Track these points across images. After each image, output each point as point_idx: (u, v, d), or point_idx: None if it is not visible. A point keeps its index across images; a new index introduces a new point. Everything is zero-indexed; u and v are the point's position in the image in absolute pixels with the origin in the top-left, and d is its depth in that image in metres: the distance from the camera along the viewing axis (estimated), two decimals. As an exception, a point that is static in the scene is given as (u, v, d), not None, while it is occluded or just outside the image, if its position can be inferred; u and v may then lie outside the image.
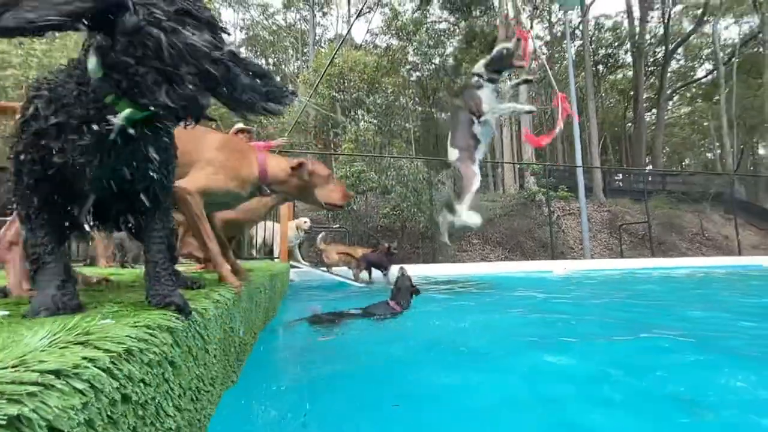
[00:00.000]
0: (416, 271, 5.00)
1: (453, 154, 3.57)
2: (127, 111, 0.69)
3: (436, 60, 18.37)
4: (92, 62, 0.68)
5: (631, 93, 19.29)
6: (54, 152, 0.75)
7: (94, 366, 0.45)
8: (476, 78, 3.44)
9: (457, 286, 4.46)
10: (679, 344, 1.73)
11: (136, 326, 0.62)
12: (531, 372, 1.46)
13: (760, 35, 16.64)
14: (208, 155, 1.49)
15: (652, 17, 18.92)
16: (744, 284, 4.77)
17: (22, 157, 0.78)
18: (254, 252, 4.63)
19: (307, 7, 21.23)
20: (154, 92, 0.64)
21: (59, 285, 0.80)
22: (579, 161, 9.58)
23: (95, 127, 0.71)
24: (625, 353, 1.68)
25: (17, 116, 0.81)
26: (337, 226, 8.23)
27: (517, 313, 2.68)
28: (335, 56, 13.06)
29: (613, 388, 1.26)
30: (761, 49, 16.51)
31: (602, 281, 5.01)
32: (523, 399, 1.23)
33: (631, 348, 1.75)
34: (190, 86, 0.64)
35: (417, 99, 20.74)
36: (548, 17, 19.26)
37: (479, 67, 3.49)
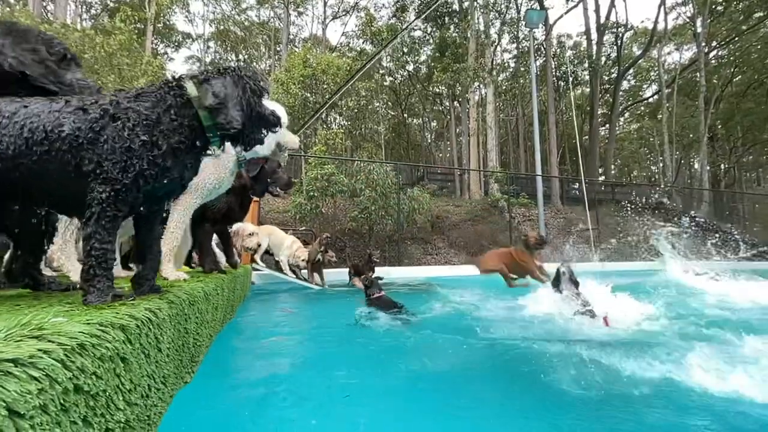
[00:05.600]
0: (382, 273, 5.14)
1: None
2: (218, 142, 1.17)
3: (410, 67, 18.74)
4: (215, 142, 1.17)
5: (588, 108, 20.73)
6: (165, 169, 1.07)
7: (49, 357, 0.50)
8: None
9: (424, 288, 4.63)
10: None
11: (89, 323, 0.66)
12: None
13: (696, 63, 18.52)
14: None
15: (607, 40, 20.47)
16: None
17: (137, 173, 1.02)
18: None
19: (282, 5, 20.87)
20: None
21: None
22: (539, 170, 10.17)
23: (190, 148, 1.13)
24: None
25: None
26: (304, 228, 8.17)
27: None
28: (310, 60, 12.95)
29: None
30: (698, 76, 18.36)
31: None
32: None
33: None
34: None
35: (390, 104, 21.02)
36: (516, 33, 20.25)
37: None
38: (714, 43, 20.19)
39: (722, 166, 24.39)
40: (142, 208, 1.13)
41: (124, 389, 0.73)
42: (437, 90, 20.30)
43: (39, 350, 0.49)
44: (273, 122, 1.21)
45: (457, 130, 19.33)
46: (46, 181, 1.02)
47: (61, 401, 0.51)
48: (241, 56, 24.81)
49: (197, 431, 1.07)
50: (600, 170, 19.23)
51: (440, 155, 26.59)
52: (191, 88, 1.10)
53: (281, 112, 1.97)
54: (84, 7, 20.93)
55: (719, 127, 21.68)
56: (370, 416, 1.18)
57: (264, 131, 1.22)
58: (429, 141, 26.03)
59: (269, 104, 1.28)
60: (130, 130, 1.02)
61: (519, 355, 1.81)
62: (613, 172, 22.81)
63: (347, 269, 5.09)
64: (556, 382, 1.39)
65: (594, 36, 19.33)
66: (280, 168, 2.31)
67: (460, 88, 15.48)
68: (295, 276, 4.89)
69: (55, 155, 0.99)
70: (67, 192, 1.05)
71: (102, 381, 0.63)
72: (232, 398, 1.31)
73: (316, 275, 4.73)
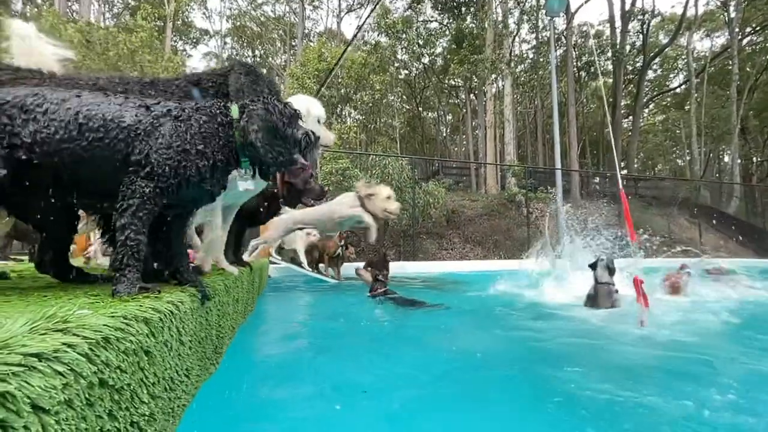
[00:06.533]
0: (397, 267, 5.15)
1: None
2: (247, 164, 1.19)
3: (425, 59, 18.45)
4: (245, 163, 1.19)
5: (611, 99, 19.99)
6: (204, 180, 1.11)
7: (74, 351, 0.49)
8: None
9: (435, 284, 4.60)
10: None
11: (113, 316, 0.65)
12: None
13: (729, 50, 17.54)
14: None
15: (632, 27, 19.60)
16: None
17: (185, 176, 1.06)
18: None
19: (296, -1, 20.89)
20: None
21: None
22: (558, 164, 9.88)
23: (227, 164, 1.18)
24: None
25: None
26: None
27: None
28: (325, 54, 12.92)
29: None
30: (730, 63, 17.40)
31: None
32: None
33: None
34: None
35: (404, 97, 20.80)
36: (535, 22, 19.61)
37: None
38: (748, 29, 19.05)
39: (755, 159, 23.12)
40: (170, 210, 1.15)
41: (148, 382, 0.72)
42: (453, 83, 19.94)
43: (63, 344, 0.48)
44: (305, 144, 1.22)
45: (474, 123, 18.97)
46: (87, 169, 1.04)
47: (86, 396, 0.50)
48: (257, 52, 25.02)
49: (221, 422, 1.07)
50: (622, 164, 18.56)
51: (455, 149, 26.25)
52: (234, 111, 1.17)
53: (317, 106, 1.93)
54: (107, 6, 21.51)
55: (752, 117, 20.52)
56: (389, 406, 1.17)
57: (296, 153, 1.24)
58: (444, 135, 25.73)
59: (305, 99, 1.27)
60: (191, 136, 1.08)
61: (534, 350, 1.76)
62: (636, 165, 21.98)
63: (363, 263, 5.09)
64: (570, 381, 1.33)
65: (618, 23, 18.53)
66: (312, 178, 2.30)
67: (477, 80, 15.14)
68: (311, 269, 4.92)
69: (108, 143, 1.03)
70: (102, 182, 1.07)
71: (126, 375, 0.62)
72: (254, 390, 1.31)
73: (329, 269, 4.75)
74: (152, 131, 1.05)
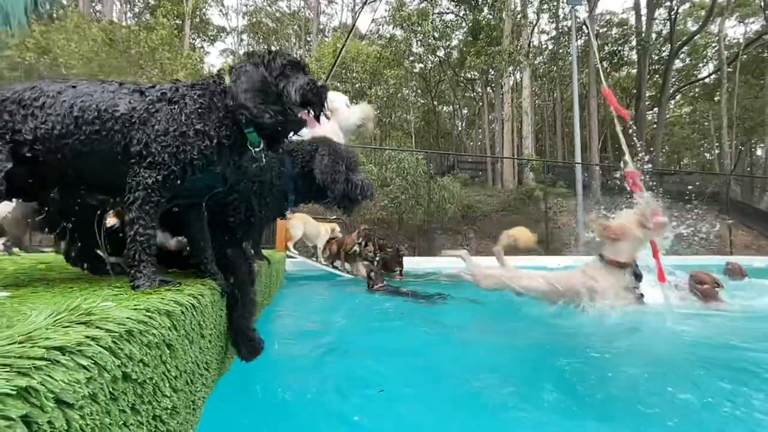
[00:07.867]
0: (412, 263, 5.12)
1: None
2: (255, 136, 1.06)
3: (441, 52, 18.16)
4: (253, 137, 1.06)
5: (634, 91, 19.19)
6: (211, 162, 1.03)
7: (97, 344, 0.48)
8: None
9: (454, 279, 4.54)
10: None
11: (136, 309, 0.65)
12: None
13: (764, 36, 16.53)
14: None
15: (659, 14, 18.69)
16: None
17: (186, 160, 0.99)
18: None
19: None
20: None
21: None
22: (578, 158, 9.59)
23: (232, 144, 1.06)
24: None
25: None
26: (334, 217, 8.24)
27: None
28: (339, 50, 12.89)
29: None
30: (765, 51, 16.41)
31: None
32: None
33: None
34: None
35: (419, 91, 20.57)
36: (555, 11, 18.96)
37: None
38: (787, 13, 17.87)
39: (790, 153, 21.80)
40: (182, 199, 1.11)
41: (170, 376, 0.72)
42: (469, 76, 19.56)
43: (87, 337, 0.47)
44: (310, 96, 1.04)
45: (490, 117, 18.60)
46: (89, 163, 1.01)
47: (110, 390, 0.49)
48: (272, 48, 25.17)
49: (239, 415, 1.08)
50: (647, 157, 17.86)
51: (471, 143, 25.82)
52: (228, 78, 1.07)
53: (337, 95, 1.88)
54: (128, 5, 22.04)
55: (789, 108, 19.34)
56: (404, 407, 1.15)
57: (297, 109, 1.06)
58: (460, 129, 25.33)
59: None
60: (187, 116, 1.00)
61: (553, 350, 1.70)
62: (661, 159, 21.12)
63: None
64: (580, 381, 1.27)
65: (644, 11, 17.73)
66: None
67: (493, 72, 14.82)
68: (327, 264, 4.95)
69: (105, 135, 0.98)
70: (108, 176, 1.04)
71: (149, 368, 0.62)
72: (269, 383, 1.31)
73: (346, 265, 4.76)
74: (148, 118, 0.99)
